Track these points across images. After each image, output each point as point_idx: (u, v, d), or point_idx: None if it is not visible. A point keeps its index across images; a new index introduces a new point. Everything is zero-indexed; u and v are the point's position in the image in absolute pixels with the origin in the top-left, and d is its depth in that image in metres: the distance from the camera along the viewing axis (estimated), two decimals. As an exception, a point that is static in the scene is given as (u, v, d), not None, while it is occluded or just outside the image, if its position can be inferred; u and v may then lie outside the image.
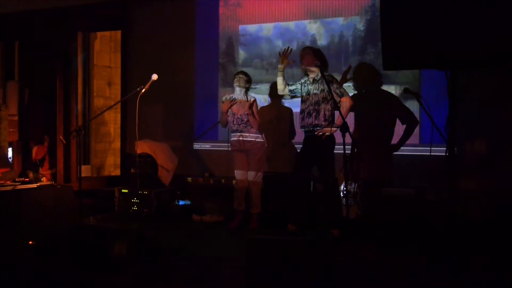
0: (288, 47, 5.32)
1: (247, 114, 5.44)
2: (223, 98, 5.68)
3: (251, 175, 5.54)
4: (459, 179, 5.20)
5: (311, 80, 5.19)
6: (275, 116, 6.42)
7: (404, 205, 5.47)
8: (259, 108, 5.72)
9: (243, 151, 5.53)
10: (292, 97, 5.43)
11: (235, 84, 5.54)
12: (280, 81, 5.35)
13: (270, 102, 6.50)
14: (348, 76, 5.88)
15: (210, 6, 7.10)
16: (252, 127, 5.47)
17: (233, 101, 5.46)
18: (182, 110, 7.27)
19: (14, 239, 4.82)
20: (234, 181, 5.77)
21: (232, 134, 5.58)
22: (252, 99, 5.51)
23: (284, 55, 5.29)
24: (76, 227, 4.42)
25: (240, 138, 5.49)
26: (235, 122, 5.50)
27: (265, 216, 5.66)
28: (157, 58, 7.22)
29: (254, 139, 5.50)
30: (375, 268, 4.05)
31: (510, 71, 5.25)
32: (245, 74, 5.63)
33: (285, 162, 6.27)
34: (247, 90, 5.58)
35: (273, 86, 6.47)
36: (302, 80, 5.30)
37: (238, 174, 5.62)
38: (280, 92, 5.45)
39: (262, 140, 5.57)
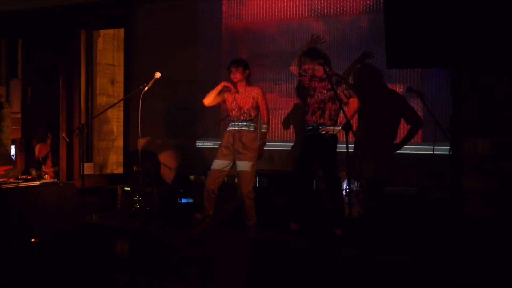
0: (322, 38, 5.48)
1: (254, 106, 5.13)
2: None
3: (243, 165, 5.08)
4: (462, 178, 5.19)
5: (318, 78, 5.17)
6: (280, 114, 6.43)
7: (406, 204, 5.46)
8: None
9: (233, 150, 5.13)
10: (299, 80, 5.47)
11: (232, 79, 5.16)
12: (296, 61, 5.40)
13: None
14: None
15: (213, 4, 7.08)
16: (254, 124, 5.16)
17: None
18: (185, 108, 7.26)
19: (16, 237, 4.83)
20: (202, 177, 5.47)
21: (229, 127, 5.21)
22: (258, 93, 5.15)
23: (315, 41, 5.35)
24: (78, 225, 4.43)
25: (236, 134, 5.12)
26: (241, 117, 5.14)
27: (267, 214, 5.65)
28: (160, 56, 7.21)
29: (251, 139, 5.13)
30: (377, 267, 4.05)
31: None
32: (238, 63, 5.16)
33: (287, 161, 6.27)
34: (248, 79, 5.20)
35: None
36: (312, 74, 5.28)
37: (217, 164, 5.16)
38: (292, 71, 5.51)
39: (257, 134, 5.21)
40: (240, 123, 5.16)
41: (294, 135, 6.45)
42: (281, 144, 6.47)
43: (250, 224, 5.15)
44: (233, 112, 5.21)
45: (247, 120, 5.14)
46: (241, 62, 5.18)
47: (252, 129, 5.17)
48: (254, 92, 5.17)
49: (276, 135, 6.55)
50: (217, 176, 5.19)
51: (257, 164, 5.94)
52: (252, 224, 5.15)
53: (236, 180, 5.36)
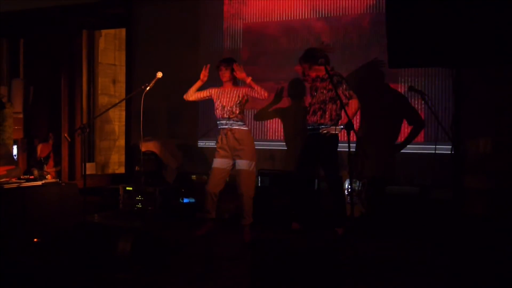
0: (333, 48, 5.55)
1: (238, 104, 5.07)
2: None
3: (242, 164, 5.03)
4: (463, 177, 5.19)
5: (320, 78, 5.19)
6: (281, 114, 6.43)
7: (408, 203, 5.46)
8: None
9: (229, 150, 5.10)
10: (303, 80, 5.53)
11: (221, 77, 5.17)
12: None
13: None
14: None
15: (214, 3, 7.08)
16: (242, 122, 5.10)
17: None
18: (186, 108, 7.26)
19: (18, 237, 4.83)
20: (204, 177, 5.34)
21: (219, 127, 5.19)
22: (244, 90, 5.11)
23: (324, 49, 5.35)
24: (80, 225, 4.44)
25: (228, 133, 5.07)
26: (225, 115, 5.09)
27: (268, 214, 5.65)
28: (162, 56, 7.21)
29: (244, 134, 5.08)
30: (379, 267, 4.05)
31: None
32: (228, 62, 5.20)
33: (290, 160, 6.27)
34: (235, 79, 5.20)
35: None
36: (315, 75, 5.29)
37: (218, 162, 5.13)
38: (297, 70, 5.58)
39: (249, 130, 5.23)
40: (227, 121, 5.10)
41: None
42: (282, 143, 6.47)
43: (245, 224, 5.05)
44: (217, 111, 5.18)
45: (231, 117, 5.08)
46: (231, 61, 5.20)
47: (243, 125, 5.12)
48: (240, 91, 5.13)
49: (277, 135, 6.55)
50: (220, 177, 5.14)
51: (258, 163, 5.95)
52: (247, 224, 5.06)
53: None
